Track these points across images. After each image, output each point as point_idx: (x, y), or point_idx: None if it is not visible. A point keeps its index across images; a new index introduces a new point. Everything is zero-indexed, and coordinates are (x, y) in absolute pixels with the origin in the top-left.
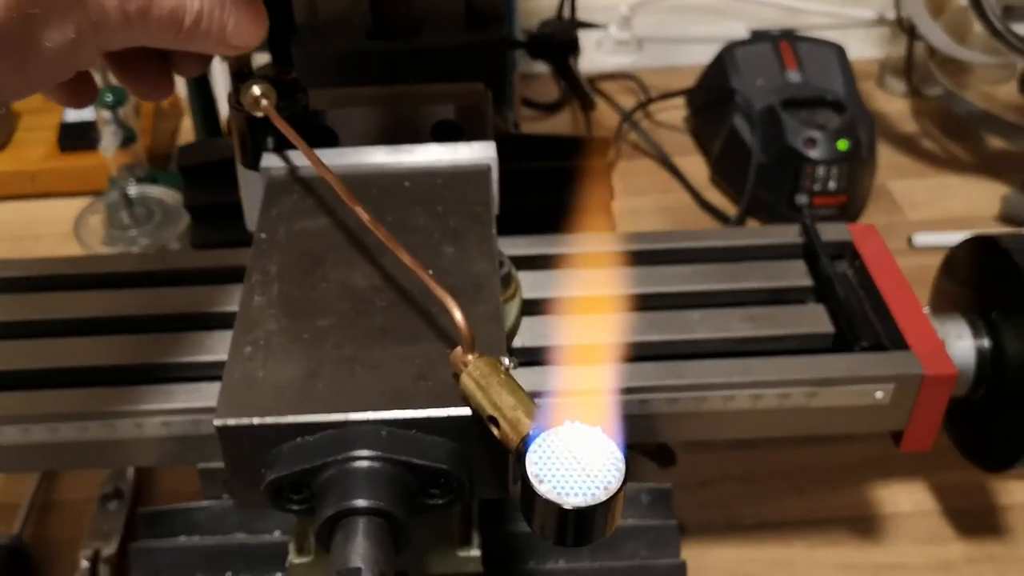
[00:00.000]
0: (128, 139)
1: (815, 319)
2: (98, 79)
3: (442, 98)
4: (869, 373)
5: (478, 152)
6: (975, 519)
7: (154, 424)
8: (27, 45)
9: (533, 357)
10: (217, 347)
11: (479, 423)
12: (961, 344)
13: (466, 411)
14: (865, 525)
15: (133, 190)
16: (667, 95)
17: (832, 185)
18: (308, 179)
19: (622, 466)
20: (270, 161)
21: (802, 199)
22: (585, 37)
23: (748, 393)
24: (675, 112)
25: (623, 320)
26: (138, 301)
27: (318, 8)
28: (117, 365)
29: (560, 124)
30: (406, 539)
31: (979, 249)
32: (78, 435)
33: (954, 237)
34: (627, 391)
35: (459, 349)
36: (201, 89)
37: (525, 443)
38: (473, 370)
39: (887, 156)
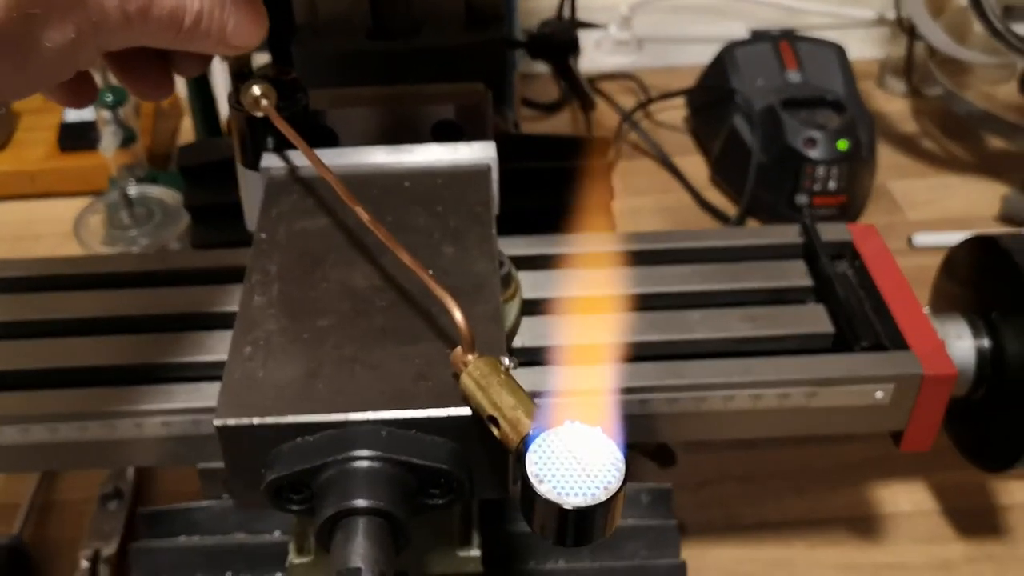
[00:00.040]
0: (128, 139)
1: (815, 319)
2: (98, 79)
3: (442, 98)
4: (869, 373)
5: (478, 152)
6: (975, 519)
7: (154, 424)
8: (27, 45)
9: (533, 357)
10: (217, 347)
11: (479, 423)
12: (961, 344)
13: (466, 411)
14: (865, 525)
15: (133, 190)
16: (667, 95)
17: (832, 185)
18: (308, 179)
19: (622, 466)
20: (270, 161)
21: (802, 199)
22: (585, 37)
23: (748, 393)
24: (675, 112)
25: (623, 320)
26: (138, 301)
27: (318, 8)
28: (117, 365)
29: (560, 124)
30: (406, 539)
31: (979, 249)
32: (78, 435)
33: (954, 237)
34: (627, 391)
35: (459, 349)
36: (201, 89)
37: (525, 443)
38: (473, 370)
39: (887, 156)
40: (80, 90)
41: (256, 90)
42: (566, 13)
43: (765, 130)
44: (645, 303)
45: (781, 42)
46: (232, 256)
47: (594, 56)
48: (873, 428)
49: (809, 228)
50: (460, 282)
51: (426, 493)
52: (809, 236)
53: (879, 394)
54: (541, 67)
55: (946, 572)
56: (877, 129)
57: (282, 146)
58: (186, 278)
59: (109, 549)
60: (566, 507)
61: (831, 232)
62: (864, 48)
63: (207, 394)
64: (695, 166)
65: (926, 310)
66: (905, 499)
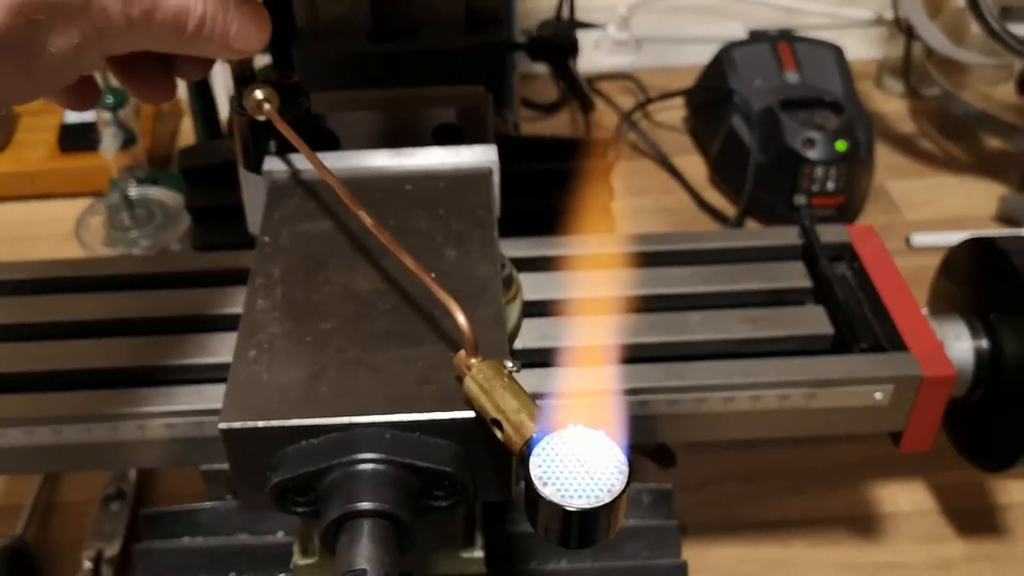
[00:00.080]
0: (128, 140)
1: (814, 320)
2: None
3: (443, 101)
4: (868, 374)
5: (479, 155)
6: (974, 518)
7: (157, 426)
8: (32, 50)
9: (534, 359)
10: (219, 349)
11: (482, 426)
12: (959, 345)
13: (469, 414)
14: (865, 525)
15: (134, 191)
16: (666, 95)
17: (830, 186)
18: (310, 182)
19: (626, 468)
20: (272, 164)
21: (800, 199)
22: (583, 37)
23: (748, 394)
24: (674, 112)
25: (623, 322)
26: (141, 303)
27: (318, 10)
28: (119, 367)
29: (559, 124)
30: (411, 541)
31: (977, 250)
32: (82, 437)
33: (952, 237)
34: (628, 392)
35: (462, 352)
36: (201, 91)
37: (529, 446)
38: (476, 373)
39: (885, 156)
40: (83, 93)
41: (259, 94)
42: (565, 13)
43: (763, 131)
44: (645, 304)
45: (779, 43)
46: (234, 258)
47: (592, 56)
48: (872, 428)
49: (808, 230)
50: (462, 286)
51: (430, 495)
52: (808, 238)
53: (878, 395)
54: (540, 67)
55: (945, 571)
56: (875, 129)
57: (284, 149)
58: (188, 280)
59: (112, 550)
60: (570, 509)
61: (830, 234)
62: (862, 48)
63: (210, 396)
64: (694, 166)
65: (924, 311)
66: (904, 499)
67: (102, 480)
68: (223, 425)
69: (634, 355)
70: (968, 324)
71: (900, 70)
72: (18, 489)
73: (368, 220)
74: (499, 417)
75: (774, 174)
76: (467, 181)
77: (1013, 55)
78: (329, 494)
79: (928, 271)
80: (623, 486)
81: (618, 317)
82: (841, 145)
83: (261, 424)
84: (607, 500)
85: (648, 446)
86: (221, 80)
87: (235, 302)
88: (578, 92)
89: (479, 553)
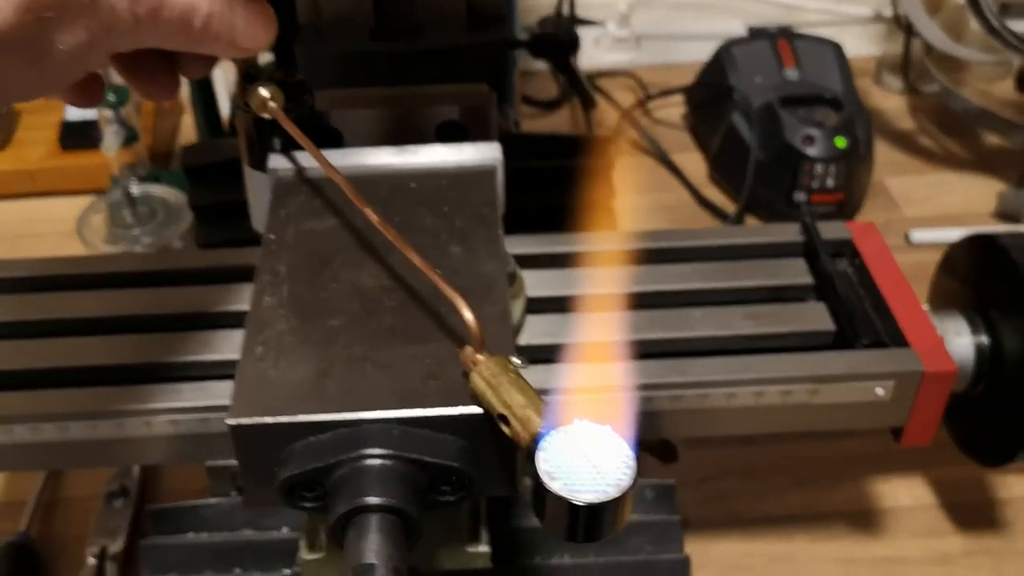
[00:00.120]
0: (130, 138)
1: (816, 317)
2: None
3: (446, 99)
4: (870, 370)
5: (483, 153)
6: (973, 513)
7: (163, 422)
8: (40, 48)
9: (536, 355)
10: (223, 346)
11: (488, 421)
12: (960, 341)
13: (476, 410)
14: (865, 519)
15: (136, 189)
16: (666, 92)
17: (830, 182)
18: (315, 180)
19: (633, 463)
20: (277, 162)
21: (800, 196)
22: (583, 34)
23: (750, 390)
24: (674, 109)
25: (626, 318)
26: (144, 301)
27: (321, 8)
28: (124, 364)
29: (560, 121)
30: (418, 535)
31: (977, 247)
32: (88, 434)
33: (951, 233)
34: (630, 388)
35: (469, 348)
36: (203, 88)
37: (536, 441)
38: (483, 369)
39: (884, 153)
40: (89, 90)
41: (264, 92)
42: (565, 10)
43: (763, 127)
44: (648, 301)
45: (779, 40)
46: (237, 256)
47: (592, 53)
48: (874, 424)
49: (809, 226)
50: (468, 283)
51: (437, 490)
52: (809, 234)
53: (880, 390)
54: (540, 64)
55: (945, 565)
56: (874, 126)
57: (289, 147)
58: (192, 277)
59: (115, 546)
60: (577, 504)
61: (831, 230)
62: (861, 45)
63: (215, 392)
64: (694, 163)
65: (925, 307)
66: (905, 493)
67: (105, 476)
68: (232, 421)
69: (637, 351)
70: (968, 320)
71: (899, 67)
72: (22, 485)
73: (374, 217)
74: (506, 412)
75: (774, 171)
76: (471, 179)
77: (1012, 52)
78: (337, 489)
79: (927, 267)
80: (631, 481)
81: (620, 313)
82: (841, 142)
83: (270, 420)
84: (615, 495)
85: (650, 442)
86: (222, 77)
87: (239, 299)
88: (579, 89)
89: (484, 547)
